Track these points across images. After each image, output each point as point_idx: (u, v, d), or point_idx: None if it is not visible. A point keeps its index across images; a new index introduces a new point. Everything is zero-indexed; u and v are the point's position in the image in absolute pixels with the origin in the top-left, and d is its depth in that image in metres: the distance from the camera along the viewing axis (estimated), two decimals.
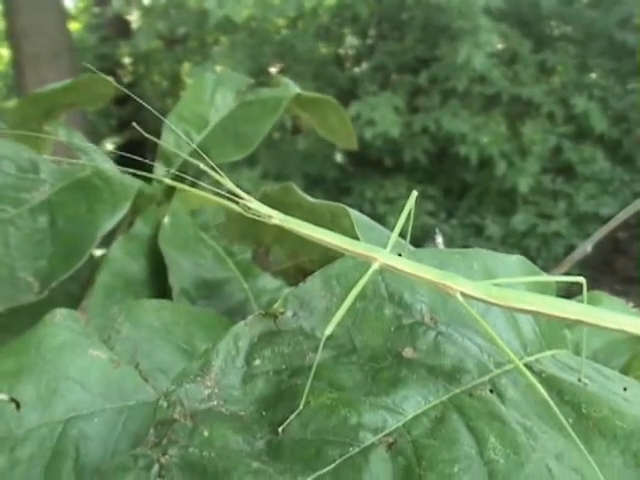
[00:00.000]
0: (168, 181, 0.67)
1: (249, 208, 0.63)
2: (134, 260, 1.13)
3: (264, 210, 0.64)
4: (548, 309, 0.59)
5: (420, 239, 5.65)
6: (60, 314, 0.78)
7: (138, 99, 0.69)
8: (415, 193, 0.69)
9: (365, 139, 6.26)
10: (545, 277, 0.71)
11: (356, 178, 6.94)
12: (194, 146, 0.73)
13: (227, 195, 0.63)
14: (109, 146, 8.40)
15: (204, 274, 1.12)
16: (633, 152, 6.93)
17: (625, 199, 6.62)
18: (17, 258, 1.00)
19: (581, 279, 0.65)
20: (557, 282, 1.20)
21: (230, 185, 0.63)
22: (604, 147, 6.93)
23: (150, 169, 1.22)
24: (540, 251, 6.54)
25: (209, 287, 1.11)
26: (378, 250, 0.62)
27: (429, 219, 6.60)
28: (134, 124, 0.69)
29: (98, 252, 1.21)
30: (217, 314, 0.94)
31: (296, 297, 0.64)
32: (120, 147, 8.22)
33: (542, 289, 0.71)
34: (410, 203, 0.68)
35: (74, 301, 1.15)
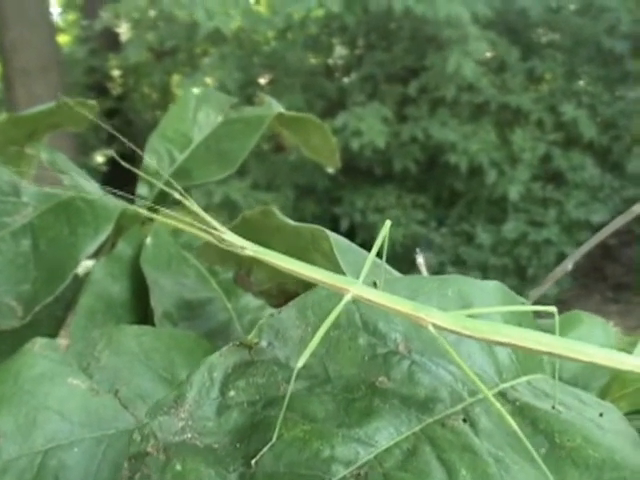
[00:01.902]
0: (143, 211, 0.67)
1: (223, 239, 0.63)
2: (116, 282, 1.13)
3: (237, 241, 0.64)
4: (522, 341, 0.60)
5: (411, 248, 5.66)
6: (39, 343, 0.78)
7: (114, 132, 0.69)
8: (388, 222, 0.69)
9: (353, 149, 6.27)
10: (518, 307, 0.72)
11: (347, 188, 6.95)
12: (166, 176, 0.73)
13: (201, 226, 0.63)
14: (99, 159, 8.41)
15: (186, 294, 1.12)
16: (622, 159, 6.96)
17: (615, 206, 6.64)
18: (0, 283, 1.00)
19: (552, 308, 0.65)
20: (540, 294, 1.21)
21: (203, 214, 0.63)
22: (593, 154, 6.95)
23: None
24: (531, 259, 6.55)
25: (191, 308, 1.11)
26: (351, 281, 0.62)
27: (419, 228, 6.62)
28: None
29: (88, 263, 1.20)
30: (198, 337, 0.93)
31: (271, 327, 0.64)
32: (110, 160, 8.23)
33: (519, 315, 0.71)
34: (384, 232, 0.68)
35: (57, 323, 1.15)
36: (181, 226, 0.63)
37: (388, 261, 0.76)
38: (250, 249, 0.64)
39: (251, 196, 6.24)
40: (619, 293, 6.99)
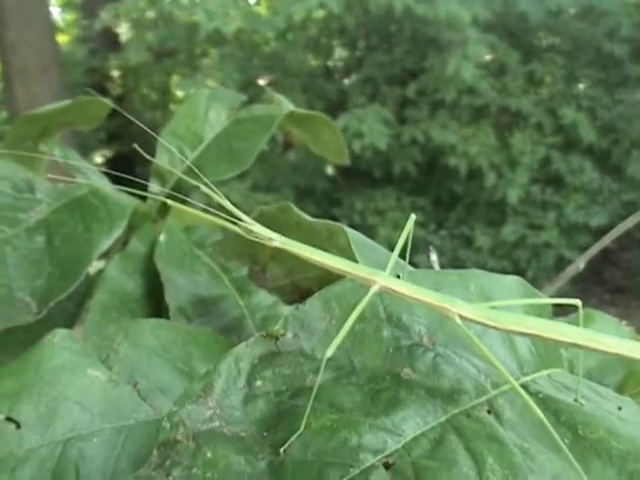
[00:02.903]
0: (170, 202, 0.68)
1: (250, 231, 0.64)
2: (130, 278, 1.13)
3: (265, 233, 0.65)
4: (545, 332, 0.60)
5: (410, 251, 5.65)
6: (59, 335, 0.78)
7: (142, 126, 0.70)
8: (413, 216, 0.70)
9: (354, 151, 6.26)
10: (541, 299, 0.72)
11: (346, 190, 6.95)
12: (192, 166, 0.74)
13: (227, 217, 0.64)
14: (98, 159, 8.40)
15: (200, 291, 1.13)
16: (622, 162, 6.96)
17: (614, 209, 6.65)
18: (15, 278, 1.00)
19: (577, 301, 0.66)
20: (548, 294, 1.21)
21: (230, 207, 0.64)
22: (593, 157, 6.95)
23: (144, 186, 1.23)
24: (530, 262, 6.55)
25: (205, 304, 1.11)
26: (378, 273, 0.63)
27: (418, 230, 6.61)
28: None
29: (98, 264, 1.20)
30: (214, 332, 0.94)
31: (296, 319, 0.65)
32: (109, 160, 8.22)
33: (538, 309, 0.72)
34: (409, 226, 0.69)
35: (69, 319, 1.15)
36: (208, 217, 0.64)
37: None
38: (277, 240, 0.65)
39: (251, 197, 6.24)
40: (618, 297, 7.00)
